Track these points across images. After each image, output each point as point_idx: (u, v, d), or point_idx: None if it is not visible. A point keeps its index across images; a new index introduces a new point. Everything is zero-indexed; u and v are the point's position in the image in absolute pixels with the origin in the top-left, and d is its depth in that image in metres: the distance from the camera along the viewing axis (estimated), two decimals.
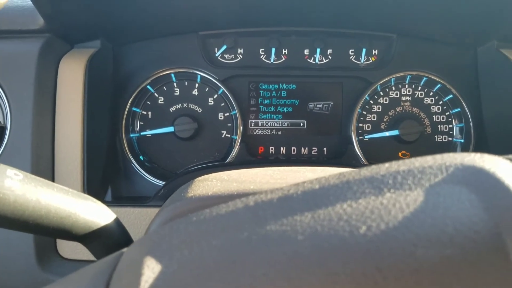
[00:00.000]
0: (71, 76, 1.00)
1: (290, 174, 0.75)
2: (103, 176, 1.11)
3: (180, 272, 0.34)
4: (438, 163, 0.42)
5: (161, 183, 1.20)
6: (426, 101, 1.25)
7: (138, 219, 0.95)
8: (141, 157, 1.23)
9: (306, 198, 0.41)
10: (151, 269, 0.35)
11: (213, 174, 0.76)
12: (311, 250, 0.34)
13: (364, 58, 1.26)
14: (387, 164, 0.43)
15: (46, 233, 0.58)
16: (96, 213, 0.61)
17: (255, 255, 0.34)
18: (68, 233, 0.59)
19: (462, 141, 1.23)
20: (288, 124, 1.27)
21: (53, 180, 0.97)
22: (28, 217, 0.54)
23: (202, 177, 0.75)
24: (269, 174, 0.74)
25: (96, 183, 1.05)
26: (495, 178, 0.37)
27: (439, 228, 0.33)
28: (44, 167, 0.96)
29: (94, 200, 0.63)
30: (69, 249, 0.97)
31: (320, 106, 1.26)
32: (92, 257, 0.95)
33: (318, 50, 1.25)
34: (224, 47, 1.24)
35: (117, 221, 0.64)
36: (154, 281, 0.34)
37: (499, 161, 0.41)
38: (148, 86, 1.22)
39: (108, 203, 1.06)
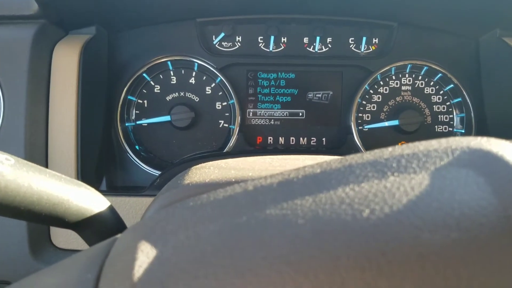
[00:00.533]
0: (65, 63, 0.97)
1: (289, 162, 0.73)
2: (98, 165, 1.09)
3: (176, 257, 0.33)
4: (444, 146, 0.41)
5: (157, 173, 1.18)
6: (427, 91, 1.24)
7: (133, 208, 0.94)
8: (136, 147, 1.22)
9: (307, 182, 0.40)
10: (145, 253, 0.34)
11: (211, 162, 0.74)
12: (312, 234, 0.33)
13: (364, 47, 1.24)
14: (390, 148, 0.42)
15: (38, 220, 0.56)
16: (89, 200, 0.60)
17: (254, 239, 0.33)
18: (61, 220, 0.57)
19: (463, 131, 1.22)
20: (286, 114, 1.25)
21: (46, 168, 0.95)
22: (19, 203, 0.53)
23: (200, 165, 0.74)
24: (267, 162, 0.73)
25: (91, 172, 1.04)
26: (504, 161, 0.35)
27: (446, 212, 0.32)
28: (38, 155, 0.94)
29: (88, 186, 0.61)
30: (63, 238, 0.95)
31: (320, 95, 1.24)
32: (86, 246, 0.94)
33: (318, 38, 1.23)
34: (222, 34, 1.21)
35: (111, 208, 0.63)
36: (149, 266, 0.33)
37: (506, 145, 0.40)
38: (144, 74, 1.20)
39: (102, 192, 1.05)
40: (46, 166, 0.95)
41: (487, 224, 0.30)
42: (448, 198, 0.33)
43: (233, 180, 0.61)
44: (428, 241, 0.30)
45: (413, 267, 0.29)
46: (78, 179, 0.95)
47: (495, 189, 0.33)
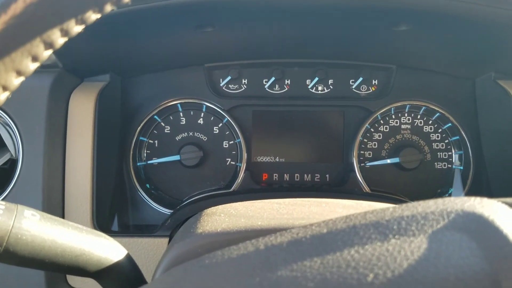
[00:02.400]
0: (82, 110, 1.03)
1: (295, 209, 0.76)
2: (111, 205, 1.13)
3: None
4: (440, 208, 0.44)
5: (167, 211, 1.22)
6: (426, 129, 1.28)
7: (145, 249, 0.97)
8: (147, 185, 1.26)
9: (315, 242, 0.43)
10: None
11: (220, 207, 0.77)
12: None
13: (365, 88, 1.29)
14: (391, 209, 0.45)
15: (61, 270, 0.60)
16: (108, 250, 0.63)
17: None
18: (82, 270, 0.61)
19: (462, 168, 1.26)
20: (291, 152, 1.29)
21: (63, 211, 0.99)
22: (44, 256, 0.56)
23: (209, 210, 0.77)
24: (275, 209, 0.76)
25: (105, 213, 1.08)
26: (494, 226, 0.39)
27: (442, 277, 0.35)
28: (55, 198, 0.98)
29: (107, 237, 0.64)
30: (79, 279, 0.98)
31: (322, 135, 1.29)
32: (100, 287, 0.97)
33: (320, 80, 1.29)
34: (229, 77, 1.27)
35: (128, 258, 0.66)
36: None
37: (498, 207, 0.43)
38: (155, 116, 1.26)
39: (116, 233, 1.09)
40: (63, 208, 0.99)
41: (479, 287, 0.33)
42: (444, 263, 0.36)
43: (243, 229, 0.65)
44: None
45: None
46: (93, 220, 0.99)
47: (486, 254, 0.36)
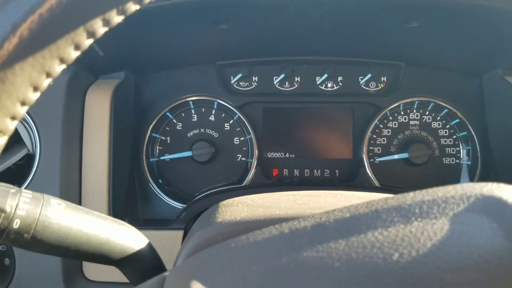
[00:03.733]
0: (98, 106, 1.05)
1: (311, 199, 0.78)
2: (126, 200, 1.14)
3: None
4: (460, 193, 0.45)
5: (179, 205, 1.24)
6: (434, 125, 1.30)
7: (161, 241, 0.99)
8: (160, 180, 1.27)
9: (339, 226, 0.43)
10: None
11: (237, 199, 0.79)
12: (349, 277, 0.37)
13: (373, 85, 1.31)
14: (411, 194, 0.46)
15: (85, 258, 0.61)
16: (131, 239, 0.64)
17: (295, 281, 0.37)
18: (106, 258, 0.62)
19: (469, 163, 1.28)
20: (301, 147, 1.31)
21: (80, 205, 1.01)
22: (70, 244, 0.58)
23: (226, 201, 0.78)
24: (291, 200, 0.77)
25: (120, 207, 1.09)
26: None
27: (466, 255, 0.36)
28: (72, 193, 1.00)
29: (129, 225, 0.66)
30: (95, 271, 1.00)
31: (332, 131, 1.31)
32: (116, 279, 0.99)
33: (329, 77, 1.31)
34: (240, 75, 1.29)
35: (150, 246, 0.68)
36: None
37: None
38: (168, 113, 1.28)
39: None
40: (80, 203, 1.01)
41: (502, 264, 0.35)
42: (467, 243, 0.37)
43: (263, 218, 0.66)
44: (451, 281, 0.35)
45: None
46: (109, 214, 1.01)
47: (507, 234, 0.37)
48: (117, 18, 0.38)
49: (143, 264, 0.67)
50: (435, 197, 0.46)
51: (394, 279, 0.36)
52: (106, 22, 0.38)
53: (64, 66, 0.39)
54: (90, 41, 0.38)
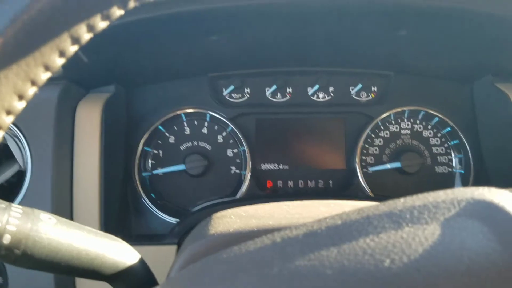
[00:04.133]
0: (88, 121, 1.04)
1: (305, 209, 0.78)
2: (118, 215, 1.13)
3: None
4: (450, 197, 0.45)
5: (173, 220, 1.23)
6: (425, 134, 1.31)
7: (155, 256, 0.97)
8: (152, 195, 1.26)
9: (330, 233, 0.43)
10: None
11: (230, 210, 0.78)
12: (341, 284, 0.36)
13: (364, 95, 1.32)
14: (402, 199, 0.46)
15: (77, 273, 0.60)
16: (122, 254, 0.64)
17: None
18: (97, 273, 0.61)
19: (462, 171, 1.28)
20: (294, 158, 1.31)
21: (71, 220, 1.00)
22: (60, 259, 0.57)
23: (219, 213, 0.78)
24: (284, 209, 0.77)
25: (112, 223, 1.08)
26: (504, 211, 0.40)
27: (457, 260, 0.36)
28: (64, 209, 0.99)
29: (120, 240, 0.65)
30: (87, 286, 0.98)
31: (325, 141, 1.31)
32: None
33: (321, 88, 1.31)
34: (232, 87, 1.30)
35: (141, 261, 0.67)
36: None
37: (506, 194, 0.44)
38: (160, 127, 1.27)
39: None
40: (71, 218, 1.00)
41: (493, 268, 0.35)
42: (458, 247, 0.37)
43: (256, 229, 0.66)
44: (443, 285, 0.34)
45: None
46: (101, 229, 1.00)
47: (499, 238, 0.37)
48: (102, 24, 0.38)
49: (135, 280, 0.66)
50: (425, 202, 0.46)
51: (386, 285, 0.36)
52: (90, 28, 0.38)
53: (49, 74, 0.39)
54: (75, 47, 0.38)
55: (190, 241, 0.69)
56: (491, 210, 0.41)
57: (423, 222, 0.42)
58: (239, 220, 0.71)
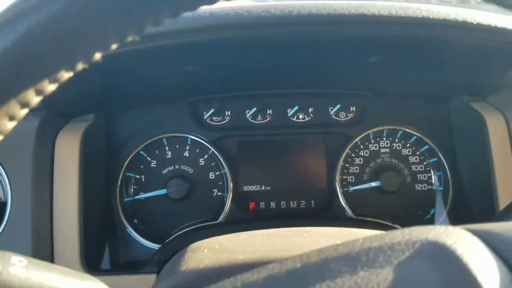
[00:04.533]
0: (68, 150, 1.05)
1: (277, 239, 0.79)
2: (99, 243, 1.14)
3: None
4: (406, 238, 0.46)
5: (155, 246, 1.24)
6: (404, 152, 1.32)
7: (134, 286, 0.98)
8: (135, 221, 1.27)
9: (289, 277, 0.44)
10: None
11: (205, 242, 0.80)
12: None
13: (343, 115, 1.34)
14: (361, 240, 0.47)
15: None
16: None
17: None
18: None
19: (441, 188, 1.29)
20: (276, 179, 1.32)
21: (52, 252, 1.01)
22: None
23: (195, 245, 0.79)
24: (258, 240, 0.78)
25: (93, 251, 1.09)
26: (455, 254, 0.41)
27: None
28: (44, 240, 1.00)
29: (93, 278, 0.66)
30: None
31: (306, 161, 1.32)
32: None
33: (300, 109, 1.33)
34: (212, 110, 1.31)
35: None
36: None
37: (461, 235, 0.45)
38: (141, 152, 1.28)
39: (104, 271, 1.10)
40: (52, 249, 1.01)
41: None
42: None
43: (226, 265, 0.67)
44: None
45: None
46: (81, 260, 1.01)
47: (447, 284, 0.38)
48: (50, 87, 0.40)
49: None
50: (382, 244, 0.47)
51: None
52: (39, 92, 0.39)
53: (27, 111, 0.40)
54: (25, 111, 0.40)
55: (163, 277, 0.70)
56: (443, 253, 0.42)
57: (377, 266, 0.43)
58: (211, 254, 0.72)
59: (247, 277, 0.48)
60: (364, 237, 0.48)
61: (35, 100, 0.41)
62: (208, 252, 0.74)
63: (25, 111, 0.41)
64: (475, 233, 0.45)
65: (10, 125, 0.40)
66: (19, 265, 0.58)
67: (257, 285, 0.46)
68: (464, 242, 0.44)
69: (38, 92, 0.40)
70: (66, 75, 0.41)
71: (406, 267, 0.43)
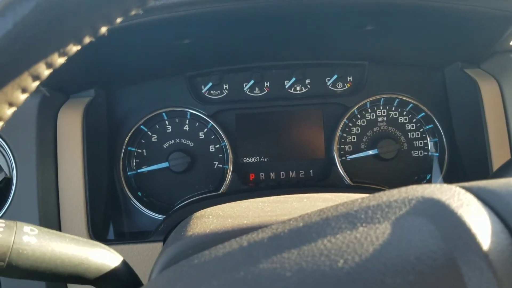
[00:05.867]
0: (70, 126, 1.07)
1: (278, 206, 0.81)
2: (105, 215, 1.17)
3: None
4: (403, 196, 0.48)
5: (159, 216, 1.27)
6: (401, 120, 1.35)
7: (141, 254, 1.01)
8: (139, 193, 1.30)
9: (292, 236, 0.46)
10: None
11: (209, 210, 0.82)
12: (298, 285, 0.40)
13: (340, 85, 1.35)
14: (359, 200, 0.49)
15: (62, 279, 0.64)
16: (105, 258, 0.67)
17: None
18: (82, 278, 0.65)
19: (437, 154, 1.32)
20: (275, 151, 1.35)
21: (59, 224, 1.04)
22: (45, 268, 0.60)
23: (199, 213, 0.81)
24: (259, 207, 0.81)
25: (99, 223, 1.12)
26: (450, 208, 0.43)
27: (404, 258, 0.38)
28: (50, 212, 1.02)
29: (102, 245, 0.68)
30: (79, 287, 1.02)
31: (304, 132, 1.34)
32: None
33: (297, 80, 1.34)
34: (210, 84, 1.32)
35: (124, 263, 0.70)
36: None
37: (455, 191, 0.47)
38: (142, 126, 1.30)
39: (111, 241, 1.12)
40: (59, 222, 1.03)
41: (437, 266, 0.38)
42: (406, 246, 0.40)
43: (230, 229, 0.69)
44: (390, 284, 0.37)
45: None
46: (88, 231, 1.03)
47: (443, 235, 0.40)
48: (60, 60, 0.41)
49: (119, 281, 0.69)
50: (379, 202, 0.48)
51: (338, 284, 0.39)
52: (49, 65, 0.41)
53: (14, 109, 0.41)
54: (37, 83, 0.42)
55: (170, 243, 0.72)
56: (438, 208, 0.43)
57: (376, 222, 0.44)
58: (215, 220, 0.74)
59: (252, 236, 0.50)
60: (362, 197, 0.50)
61: (46, 72, 0.42)
62: (212, 218, 0.76)
63: (36, 83, 0.42)
64: (469, 189, 0.47)
65: (23, 97, 0.41)
66: (31, 234, 0.60)
67: (262, 243, 0.48)
68: (458, 198, 0.45)
69: (49, 65, 0.41)
70: (74, 48, 0.42)
71: (403, 222, 0.44)
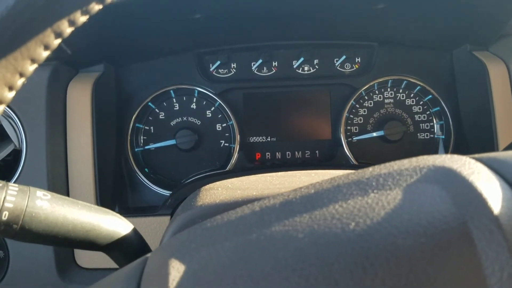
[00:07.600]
0: (79, 100, 1.07)
1: (287, 179, 0.82)
2: (113, 189, 1.18)
3: (201, 270, 0.40)
4: (413, 165, 0.48)
5: (166, 192, 1.28)
6: (408, 102, 1.34)
7: (149, 227, 1.02)
8: (146, 169, 1.31)
9: (304, 201, 0.47)
10: (176, 269, 0.41)
11: (218, 183, 0.83)
12: (311, 246, 0.40)
13: (348, 66, 1.34)
14: (370, 168, 0.49)
15: (73, 245, 0.64)
16: (116, 225, 0.68)
17: (264, 253, 0.40)
18: (93, 244, 0.65)
19: (443, 137, 1.32)
20: (282, 130, 1.35)
21: (67, 196, 1.04)
22: (57, 232, 0.61)
23: (208, 186, 0.82)
24: (268, 180, 0.81)
25: (107, 197, 1.13)
26: (461, 175, 0.43)
27: (415, 222, 0.39)
28: (59, 186, 1.03)
29: (114, 213, 0.69)
30: (87, 259, 1.04)
31: (311, 113, 1.34)
32: (107, 265, 1.03)
33: (305, 61, 1.34)
34: (218, 62, 1.32)
35: (135, 231, 0.71)
36: (180, 280, 0.39)
37: (465, 161, 0.47)
38: (150, 103, 1.30)
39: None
40: (67, 194, 1.04)
41: (448, 229, 0.38)
42: (417, 210, 0.40)
43: (240, 199, 0.70)
44: (402, 245, 0.38)
45: (391, 267, 0.36)
46: (97, 203, 1.04)
47: (454, 200, 0.40)
48: (82, 18, 0.41)
49: (129, 248, 0.70)
50: (390, 170, 0.48)
51: (350, 246, 0.39)
52: (71, 23, 0.41)
53: (36, 66, 0.42)
54: (59, 40, 0.42)
55: (181, 212, 0.73)
56: (449, 175, 0.44)
57: (387, 189, 0.45)
58: (225, 192, 0.75)
59: (264, 202, 0.50)
60: (373, 166, 0.50)
61: (68, 30, 0.42)
62: (222, 190, 0.77)
63: (58, 41, 0.42)
64: (479, 160, 0.47)
65: (45, 54, 0.42)
66: (44, 198, 0.60)
67: (274, 208, 0.48)
68: (469, 166, 0.45)
69: (71, 23, 0.41)
70: (96, 7, 0.42)
71: (414, 188, 0.45)
